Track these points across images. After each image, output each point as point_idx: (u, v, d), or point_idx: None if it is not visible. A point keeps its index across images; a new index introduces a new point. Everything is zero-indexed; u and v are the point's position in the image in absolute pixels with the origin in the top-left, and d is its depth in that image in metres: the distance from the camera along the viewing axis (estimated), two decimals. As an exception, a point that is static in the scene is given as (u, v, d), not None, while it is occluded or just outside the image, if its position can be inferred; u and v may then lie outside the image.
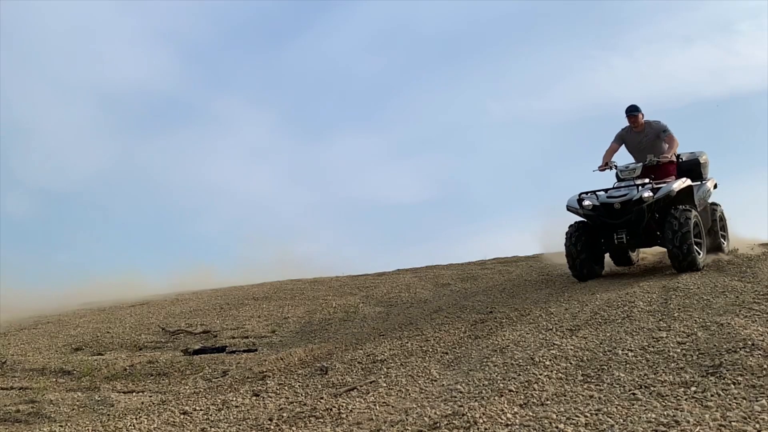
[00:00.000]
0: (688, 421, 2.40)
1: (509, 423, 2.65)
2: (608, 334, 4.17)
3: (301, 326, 7.38)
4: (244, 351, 6.48)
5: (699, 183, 7.54)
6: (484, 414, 2.78)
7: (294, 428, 3.21)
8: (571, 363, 3.59)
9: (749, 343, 3.42)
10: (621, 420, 2.53)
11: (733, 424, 2.36)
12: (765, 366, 3.05)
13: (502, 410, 2.83)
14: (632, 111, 7.40)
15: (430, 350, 4.76)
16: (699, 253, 6.48)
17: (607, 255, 7.32)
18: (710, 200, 7.77)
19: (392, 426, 2.87)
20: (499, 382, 3.43)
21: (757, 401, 2.61)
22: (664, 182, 6.68)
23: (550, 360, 3.66)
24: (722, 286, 5.40)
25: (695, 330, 3.92)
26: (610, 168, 7.22)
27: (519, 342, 4.37)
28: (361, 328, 6.78)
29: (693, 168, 7.70)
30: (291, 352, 5.82)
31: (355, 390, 3.93)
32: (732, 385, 2.87)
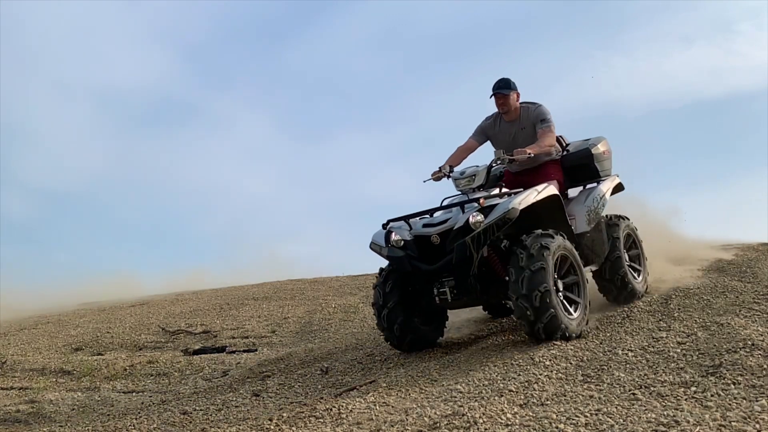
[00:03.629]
0: (688, 421, 2.40)
1: (509, 423, 2.65)
2: (608, 334, 4.18)
3: (301, 326, 7.38)
4: (244, 351, 6.49)
5: (586, 187, 5.37)
6: (484, 414, 2.78)
7: (294, 428, 3.21)
8: (571, 363, 3.59)
9: (749, 343, 3.42)
10: (621, 420, 2.53)
11: (733, 424, 2.36)
12: (765, 366, 3.05)
13: (502, 410, 2.83)
14: (500, 88, 4.93)
15: (430, 350, 4.76)
16: (572, 312, 4.20)
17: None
18: (607, 212, 5.41)
19: (392, 426, 2.87)
20: (499, 382, 3.43)
21: (757, 401, 2.61)
22: (510, 195, 4.42)
23: (550, 360, 3.66)
24: (722, 286, 5.40)
25: (695, 330, 3.92)
26: (446, 176, 4.88)
27: (519, 342, 4.37)
28: (361, 328, 6.78)
29: (583, 164, 5.35)
30: (291, 352, 5.83)
31: (355, 390, 3.93)
32: (732, 385, 2.88)
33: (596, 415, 2.64)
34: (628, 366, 3.41)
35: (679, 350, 3.55)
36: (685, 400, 2.76)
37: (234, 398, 4.23)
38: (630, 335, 4.07)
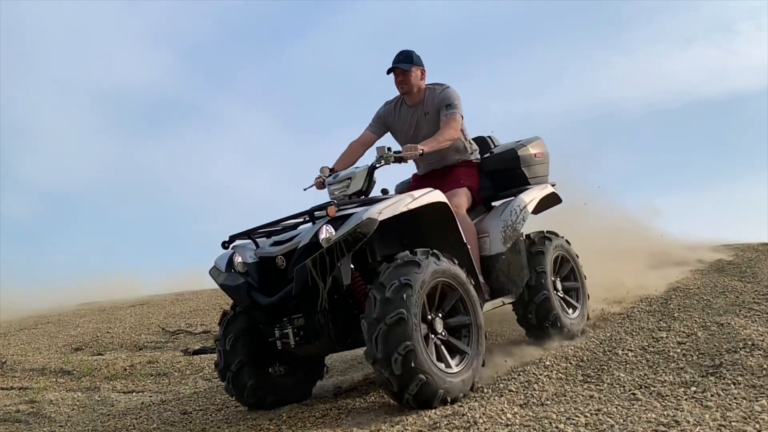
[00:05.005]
0: (688, 421, 2.40)
1: (509, 423, 2.65)
2: (608, 334, 4.17)
3: (301, 326, 7.38)
4: (244, 351, 6.48)
5: (508, 199, 4.31)
6: (484, 414, 2.78)
7: (294, 428, 3.21)
8: (571, 363, 3.59)
9: (749, 343, 3.42)
10: (621, 420, 2.53)
11: (733, 424, 2.36)
12: (765, 366, 3.05)
13: (502, 410, 2.83)
14: (398, 62, 4.00)
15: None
16: (452, 366, 3.16)
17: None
18: (528, 229, 4.30)
19: (392, 426, 2.87)
20: (499, 382, 3.43)
21: (757, 401, 2.61)
22: (378, 202, 3.27)
23: (550, 360, 3.66)
24: (722, 286, 5.40)
25: (695, 330, 3.92)
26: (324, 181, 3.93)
27: (519, 342, 4.37)
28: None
29: (507, 168, 4.38)
30: (291, 352, 5.82)
31: (355, 390, 3.93)
32: (732, 385, 2.88)
33: (596, 415, 2.64)
34: (628, 366, 3.41)
35: (679, 350, 3.56)
36: (685, 400, 2.76)
37: (234, 398, 4.23)
38: (630, 335, 4.07)
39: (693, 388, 2.91)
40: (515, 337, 4.58)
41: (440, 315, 3.26)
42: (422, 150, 3.71)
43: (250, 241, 3.58)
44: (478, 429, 2.62)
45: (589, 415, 2.64)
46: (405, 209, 3.29)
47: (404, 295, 2.96)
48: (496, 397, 3.14)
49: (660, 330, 4.10)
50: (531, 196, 4.30)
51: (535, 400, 3.02)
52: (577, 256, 4.65)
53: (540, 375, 3.42)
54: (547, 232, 4.45)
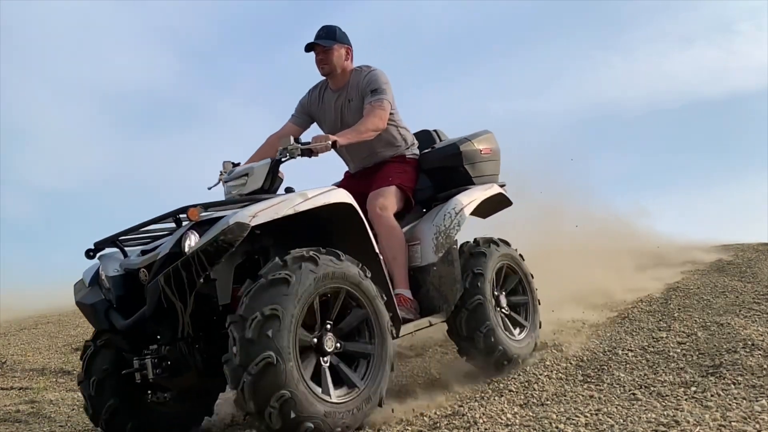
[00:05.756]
0: (688, 421, 2.40)
1: (509, 423, 2.65)
2: (608, 334, 4.17)
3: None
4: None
5: (440, 205, 3.71)
6: (484, 414, 2.78)
7: None
8: (571, 363, 3.59)
9: (749, 343, 3.42)
10: (621, 420, 2.53)
11: (733, 424, 2.36)
12: (765, 366, 3.05)
13: (502, 410, 2.83)
14: (319, 38, 3.51)
15: (430, 350, 4.76)
16: (326, 395, 2.53)
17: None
18: (464, 235, 3.68)
19: (392, 426, 2.87)
20: (499, 382, 3.43)
21: (757, 401, 2.61)
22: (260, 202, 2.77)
23: (550, 360, 3.66)
24: (722, 286, 5.40)
25: (695, 330, 3.92)
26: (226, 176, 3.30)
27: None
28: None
29: (449, 165, 3.80)
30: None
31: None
32: (732, 385, 2.88)
33: (596, 415, 2.64)
34: (628, 366, 3.41)
35: (679, 350, 3.56)
36: (685, 400, 2.76)
37: (233, 398, 4.23)
38: (630, 335, 4.07)
39: (693, 388, 2.91)
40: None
41: (336, 338, 2.65)
42: (335, 141, 3.14)
43: (116, 249, 2.92)
44: (478, 429, 2.62)
45: (589, 415, 2.64)
46: (291, 211, 2.71)
47: (271, 332, 2.35)
48: (496, 397, 3.14)
49: (660, 330, 4.10)
50: (471, 198, 3.69)
51: (535, 400, 3.02)
52: (532, 276, 3.96)
53: (540, 375, 3.42)
54: (498, 239, 3.89)
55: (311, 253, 2.59)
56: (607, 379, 3.25)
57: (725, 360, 3.23)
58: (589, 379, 3.30)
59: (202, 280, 2.55)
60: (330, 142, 3.13)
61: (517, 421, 2.67)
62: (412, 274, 3.48)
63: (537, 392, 3.15)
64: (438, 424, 2.76)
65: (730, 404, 2.62)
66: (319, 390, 2.50)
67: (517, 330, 3.77)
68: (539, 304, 3.99)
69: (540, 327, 3.75)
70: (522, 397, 3.09)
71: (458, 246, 3.58)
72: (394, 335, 2.88)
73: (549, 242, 5.98)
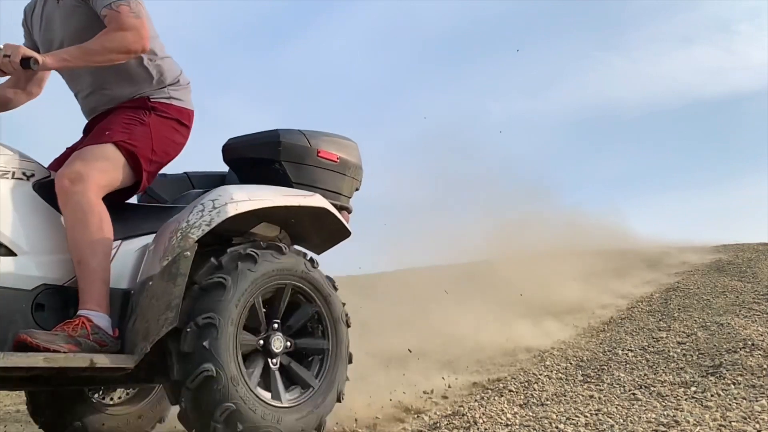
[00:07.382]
0: (688, 421, 2.40)
1: (509, 423, 2.65)
2: (608, 334, 4.18)
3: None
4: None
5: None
6: (484, 414, 2.78)
7: None
8: (571, 363, 3.59)
9: (749, 343, 3.42)
10: (621, 420, 2.53)
11: (733, 424, 2.36)
12: (765, 366, 3.06)
13: (502, 410, 2.83)
14: None
15: (430, 350, 4.76)
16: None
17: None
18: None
19: (392, 426, 2.87)
20: (499, 382, 3.43)
21: (757, 401, 2.61)
22: None
23: (550, 360, 3.66)
24: (722, 286, 5.41)
25: (695, 330, 3.93)
26: None
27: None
28: (361, 327, 6.77)
29: (265, 159, 2.57)
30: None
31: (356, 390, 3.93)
32: (732, 385, 2.88)
33: (596, 415, 2.64)
34: (628, 366, 3.41)
35: (679, 350, 3.56)
36: (685, 400, 2.76)
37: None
38: (630, 335, 4.07)
39: (693, 388, 2.91)
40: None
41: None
42: (32, 58, 2.04)
43: None
44: (478, 429, 2.62)
45: (589, 415, 2.64)
46: None
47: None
48: (496, 397, 3.14)
49: (660, 330, 4.10)
50: (255, 195, 2.36)
51: (535, 400, 3.02)
52: (344, 307, 2.51)
53: (540, 375, 3.42)
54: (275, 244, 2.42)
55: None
56: (607, 379, 3.25)
57: (725, 360, 3.23)
58: (589, 379, 3.30)
59: None
60: (19, 59, 2.03)
61: (517, 421, 2.67)
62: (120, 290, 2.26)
63: (537, 392, 3.15)
64: (438, 424, 2.76)
65: (730, 404, 2.62)
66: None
67: (292, 393, 2.32)
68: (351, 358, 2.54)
69: (341, 399, 2.45)
70: (522, 397, 3.09)
71: (193, 252, 2.15)
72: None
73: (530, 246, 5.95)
